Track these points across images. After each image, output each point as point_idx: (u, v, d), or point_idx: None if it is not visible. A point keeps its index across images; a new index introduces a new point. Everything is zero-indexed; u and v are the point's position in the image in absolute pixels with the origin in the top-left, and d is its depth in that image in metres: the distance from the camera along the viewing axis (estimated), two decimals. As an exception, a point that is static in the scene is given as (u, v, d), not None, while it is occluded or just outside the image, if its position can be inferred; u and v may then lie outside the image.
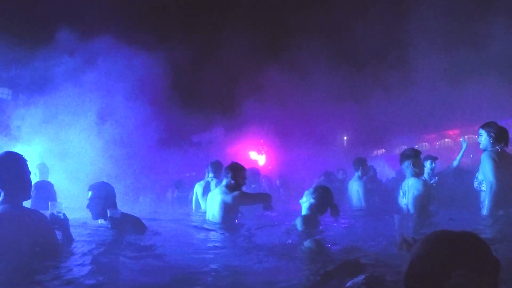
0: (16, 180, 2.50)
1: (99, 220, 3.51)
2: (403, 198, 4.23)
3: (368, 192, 5.71)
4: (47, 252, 2.47)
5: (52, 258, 2.46)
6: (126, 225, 3.34)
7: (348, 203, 5.89)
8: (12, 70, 9.39)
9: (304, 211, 3.69)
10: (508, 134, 3.91)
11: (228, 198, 4.22)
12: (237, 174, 4.33)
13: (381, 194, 6.05)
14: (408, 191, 4.13)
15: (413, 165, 4.13)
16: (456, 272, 1.08)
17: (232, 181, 4.29)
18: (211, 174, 5.81)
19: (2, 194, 2.45)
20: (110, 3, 11.62)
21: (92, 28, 10.82)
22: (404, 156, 4.22)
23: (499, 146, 3.82)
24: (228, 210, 4.23)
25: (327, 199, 3.70)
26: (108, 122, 9.24)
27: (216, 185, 5.38)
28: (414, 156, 4.18)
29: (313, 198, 3.65)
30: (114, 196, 3.51)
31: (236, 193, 4.23)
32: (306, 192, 3.76)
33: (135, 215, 3.63)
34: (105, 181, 3.72)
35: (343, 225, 4.10)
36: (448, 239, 1.16)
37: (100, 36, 9.90)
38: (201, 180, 6.32)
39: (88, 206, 3.41)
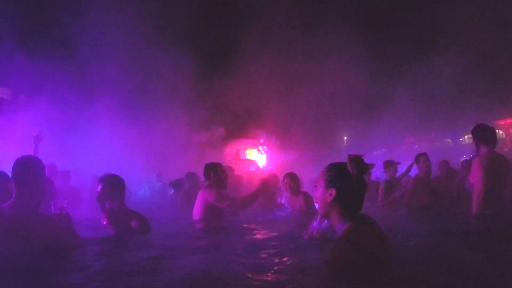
0: (34, 183, 2.58)
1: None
2: None
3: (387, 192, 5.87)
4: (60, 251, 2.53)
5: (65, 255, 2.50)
6: (129, 221, 3.28)
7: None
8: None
9: None
10: (495, 135, 3.88)
11: None
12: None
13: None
14: None
15: None
16: None
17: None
18: None
19: (14, 194, 2.52)
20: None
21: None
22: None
23: (488, 148, 3.80)
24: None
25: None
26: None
27: None
28: None
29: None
30: (123, 189, 3.42)
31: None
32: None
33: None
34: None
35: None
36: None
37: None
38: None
39: (97, 199, 3.33)
